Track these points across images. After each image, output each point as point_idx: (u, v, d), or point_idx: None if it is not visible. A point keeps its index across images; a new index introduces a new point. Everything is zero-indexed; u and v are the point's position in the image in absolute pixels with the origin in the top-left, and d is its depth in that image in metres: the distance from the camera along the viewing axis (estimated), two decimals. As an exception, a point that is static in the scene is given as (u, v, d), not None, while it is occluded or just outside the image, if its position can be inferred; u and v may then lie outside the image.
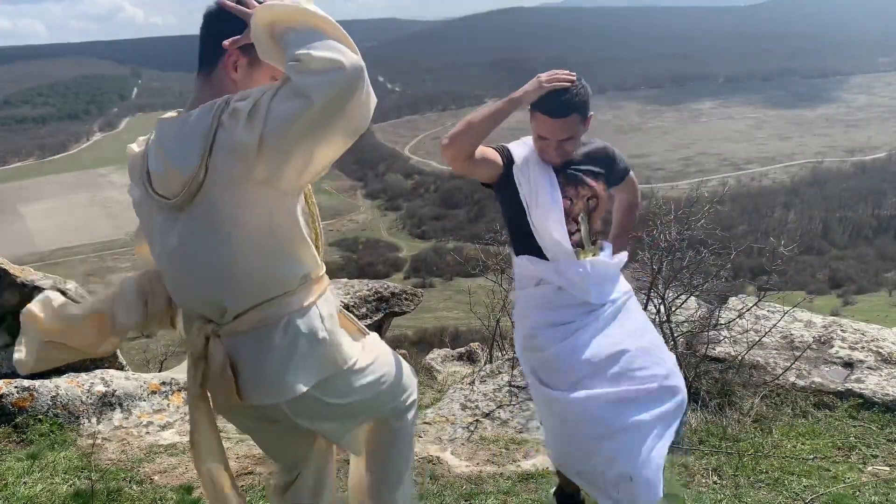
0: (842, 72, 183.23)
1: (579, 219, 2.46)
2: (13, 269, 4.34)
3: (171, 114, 1.76)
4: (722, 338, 4.86)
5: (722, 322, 4.95)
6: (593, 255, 2.47)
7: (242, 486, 3.27)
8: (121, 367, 4.55)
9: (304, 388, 1.74)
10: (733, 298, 5.52)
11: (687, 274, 4.92)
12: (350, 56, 1.50)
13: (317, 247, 1.85)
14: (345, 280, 6.06)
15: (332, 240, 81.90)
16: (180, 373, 4.58)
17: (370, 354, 1.96)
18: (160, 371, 5.50)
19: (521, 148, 2.47)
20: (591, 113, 2.39)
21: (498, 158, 2.42)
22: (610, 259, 2.51)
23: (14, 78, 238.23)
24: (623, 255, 2.58)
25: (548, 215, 2.41)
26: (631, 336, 2.40)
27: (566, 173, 2.45)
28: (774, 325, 4.85)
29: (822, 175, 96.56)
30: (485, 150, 2.38)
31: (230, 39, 1.64)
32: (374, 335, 2.08)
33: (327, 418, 1.91)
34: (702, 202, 5.36)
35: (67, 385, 4.03)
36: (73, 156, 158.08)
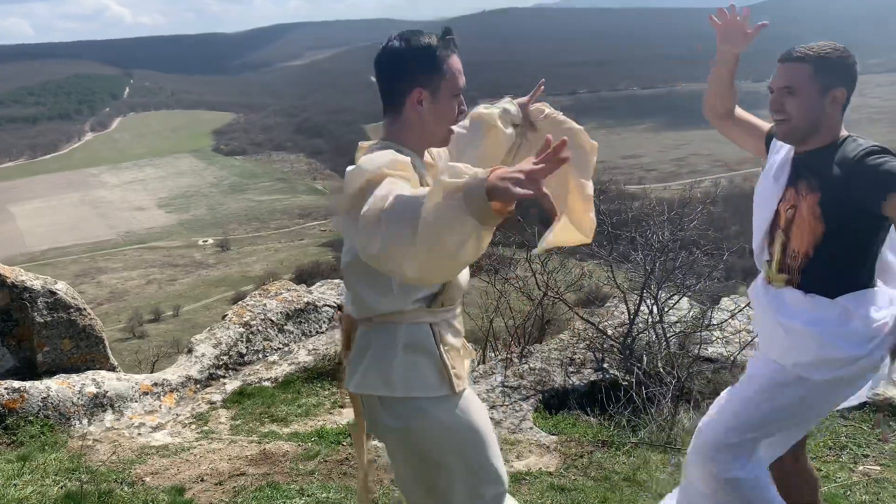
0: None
1: (777, 231, 2.12)
2: (3, 270, 4.31)
3: (366, 145, 1.86)
4: (714, 338, 4.88)
5: (714, 322, 4.96)
6: (778, 284, 2.11)
7: (234, 486, 3.26)
8: (112, 368, 4.52)
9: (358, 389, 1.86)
10: (725, 299, 5.54)
11: (679, 274, 4.94)
12: None
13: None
14: (338, 280, 6.05)
15: (327, 240, 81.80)
16: (172, 374, 4.56)
17: (459, 412, 1.86)
18: (152, 372, 5.48)
19: None
20: (842, 89, 1.99)
21: (761, 130, 2.28)
22: (796, 317, 2.03)
23: (4, 77, 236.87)
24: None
25: (757, 207, 2.18)
26: None
27: (797, 171, 2.08)
28: (766, 326, 4.87)
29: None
30: (752, 120, 2.30)
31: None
32: (480, 409, 1.94)
33: (382, 436, 1.92)
34: (694, 203, 5.39)
35: (58, 386, 4.00)
36: (64, 155, 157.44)
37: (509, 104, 2.17)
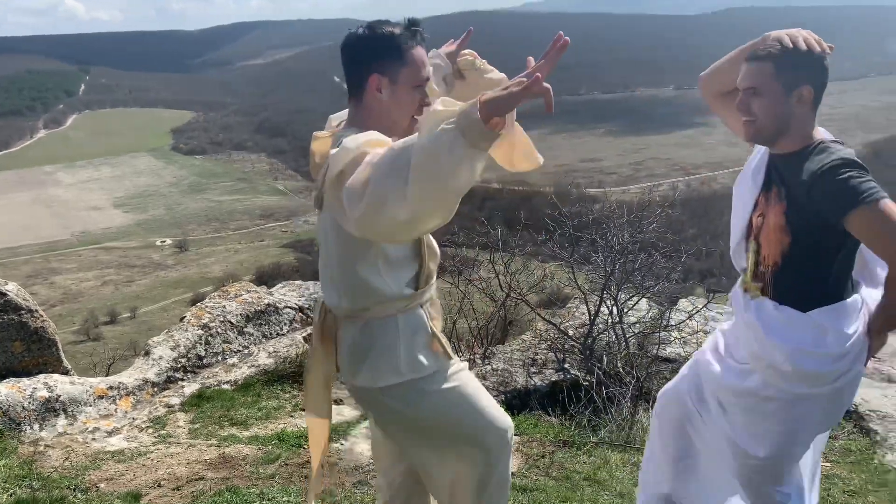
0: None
1: (750, 239, 2.10)
2: (-50, 271, 4.17)
3: (325, 134, 1.88)
4: (672, 339, 4.97)
5: (672, 323, 5.05)
6: (753, 293, 2.08)
7: (192, 491, 3.20)
8: (65, 372, 4.40)
9: (358, 382, 1.95)
10: (683, 300, 5.65)
11: (639, 276, 5.02)
12: None
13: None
14: (299, 282, 6.00)
15: (288, 241, 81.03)
16: (128, 377, 4.47)
17: (450, 379, 1.98)
18: (107, 375, 5.35)
19: None
20: (808, 87, 1.93)
21: None
22: (771, 333, 1.99)
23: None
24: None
25: (735, 207, 2.15)
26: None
27: (770, 176, 2.04)
28: (722, 327, 4.98)
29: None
30: None
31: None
32: (463, 367, 2.06)
33: (390, 421, 2.05)
34: (653, 206, 5.48)
35: (8, 390, 3.88)
36: (16, 153, 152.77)
37: (439, 59, 2.23)
